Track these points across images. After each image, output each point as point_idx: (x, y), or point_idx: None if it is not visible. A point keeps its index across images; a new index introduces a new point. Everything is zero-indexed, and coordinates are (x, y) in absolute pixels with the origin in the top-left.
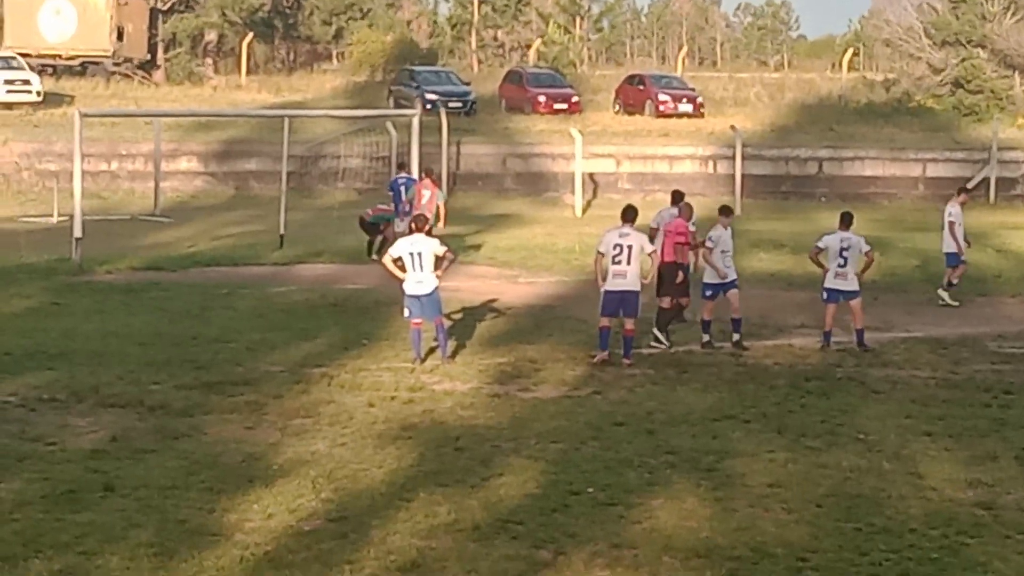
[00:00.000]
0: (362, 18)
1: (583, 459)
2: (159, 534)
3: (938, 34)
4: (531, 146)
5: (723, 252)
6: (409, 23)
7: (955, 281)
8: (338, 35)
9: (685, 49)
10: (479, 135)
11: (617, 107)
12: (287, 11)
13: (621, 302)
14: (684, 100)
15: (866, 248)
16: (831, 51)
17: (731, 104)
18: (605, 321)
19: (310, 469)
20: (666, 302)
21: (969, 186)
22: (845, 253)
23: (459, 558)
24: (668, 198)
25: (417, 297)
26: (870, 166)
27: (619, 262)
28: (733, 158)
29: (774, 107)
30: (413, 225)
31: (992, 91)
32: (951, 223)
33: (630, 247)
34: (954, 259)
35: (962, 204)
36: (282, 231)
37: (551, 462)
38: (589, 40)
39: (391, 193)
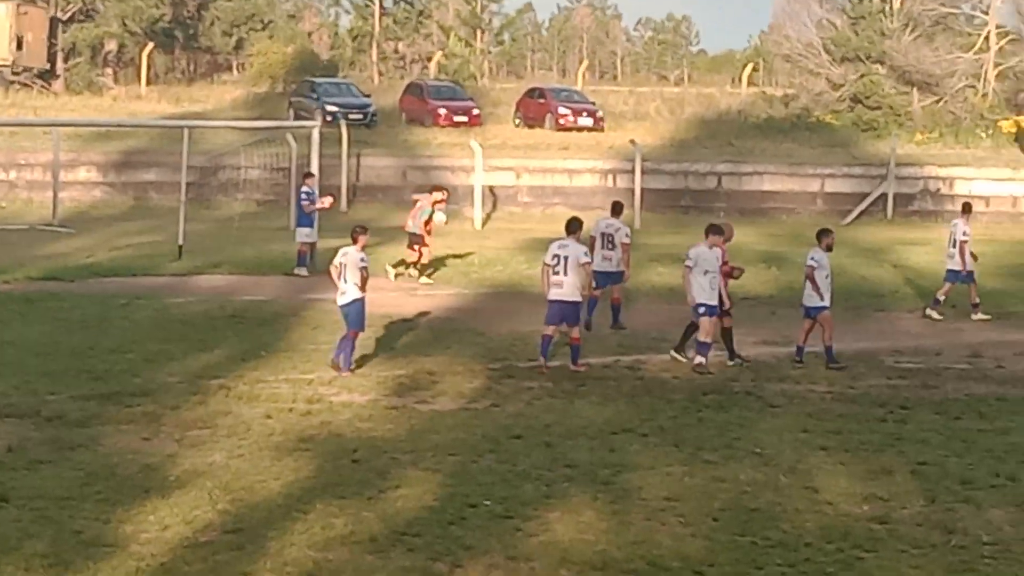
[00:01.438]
0: (263, 29)
1: (480, 471)
2: (54, 545)
3: (837, 50)
4: (431, 159)
5: (706, 273)
6: (310, 35)
7: (942, 298)
8: (239, 46)
9: (586, 63)
10: (379, 147)
11: (517, 120)
12: (188, 21)
13: (561, 312)
14: (584, 114)
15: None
16: (731, 66)
17: (631, 118)
18: (548, 330)
19: (207, 480)
20: (727, 321)
21: (865, 203)
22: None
23: (355, 570)
24: (567, 211)
25: (340, 307)
26: (769, 181)
27: (557, 272)
28: (633, 172)
29: (674, 121)
30: (352, 236)
31: (890, 107)
32: (964, 242)
33: (567, 258)
34: (955, 276)
35: (968, 219)
36: (181, 242)
37: (448, 474)
38: (490, 53)
39: (306, 202)
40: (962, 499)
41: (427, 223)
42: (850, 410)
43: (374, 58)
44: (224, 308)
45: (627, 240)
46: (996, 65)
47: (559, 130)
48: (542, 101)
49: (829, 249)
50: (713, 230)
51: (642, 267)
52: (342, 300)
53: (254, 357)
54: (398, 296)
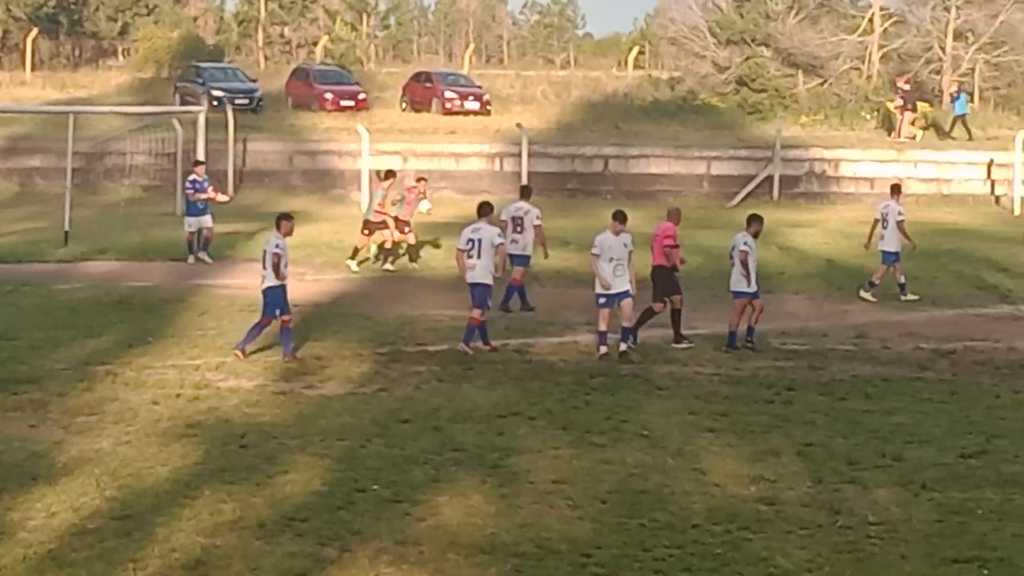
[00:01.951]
0: (148, 14)
1: (368, 456)
2: None
3: (723, 33)
4: (318, 143)
5: (611, 260)
6: (195, 19)
7: (877, 281)
8: (124, 31)
9: (472, 47)
10: (266, 132)
11: (404, 104)
12: (72, 7)
13: (479, 292)
14: (471, 98)
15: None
16: (617, 49)
17: (517, 102)
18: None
19: (94, 467)
20: (677, 301)
21: (751, 186)
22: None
23: (244, 556)
24: (454, 195)
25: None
26: (655, 164)
27: (471, 256)
28: (519, 156)
29: (560, 105)
30: (276, 223)
31: (776, 89)
32: (900, 222)
33: (480, 241)
34: (892, 257)
35: (899, 200)
36: (67, 228)
37: (336, 459)
38: (376, 37)
39: (191, 191)
40: (848, 480)
41: (383, 206)
42: (737, 392)
43: (260, 43)
44: (111, 294)
45: (538, 222)
46: (880, 47)
47: (446, 114)
48: (428, 85)
49: (756, 235)
50: (618, 217)
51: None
52: (262, 286)
53: (141, 343)
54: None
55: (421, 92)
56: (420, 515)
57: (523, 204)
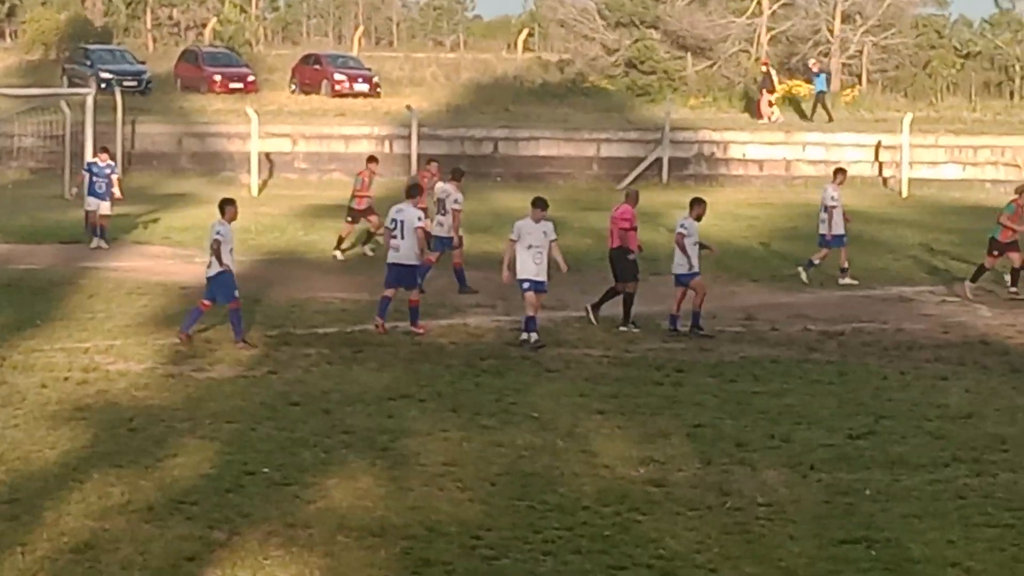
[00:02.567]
0: None
1: (258, 439)
2: None
3: (612, 15)
4: (207, 125)
5: (530, 247)
6: (84, 1)
7: (817, 262)
8: (11, 13)
9: (361, 29)
10: (154, 114)
11: (293, 87)
12: None
13: (399, 275)
14: (360, 80)
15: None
16: (507, 32)
17: (407, 84)
18: (388, 292)
19: None
20: (631, 286)
21: (641, 168)
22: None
23: (132, 539)
24: (344, 178)
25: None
26: (545, 146)
27: (395, 236)
28: (409, 138)
29: (450, 87)
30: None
31: (665, 72)
32: (832, 207)
33: (403, 222)
34: (833, 240)
35: (840, 185)
36: None
37: (226, 442)
38: (265, 19)
39: (86, 174)
40: (737, 461)
41: (364, 191)
42: (626, 374)
43: (148, 25)
44: None
45: (457, 206)
46: (769, 29)
47: (335, 96)
48: (318, 67)
49: (699, 218)
50: (538, 203)
51: None
52: (207, 273)
53: (29, 326)
54: (175, 263)
55: (310, 74)
56: (309, 498)
57: (447, 186)
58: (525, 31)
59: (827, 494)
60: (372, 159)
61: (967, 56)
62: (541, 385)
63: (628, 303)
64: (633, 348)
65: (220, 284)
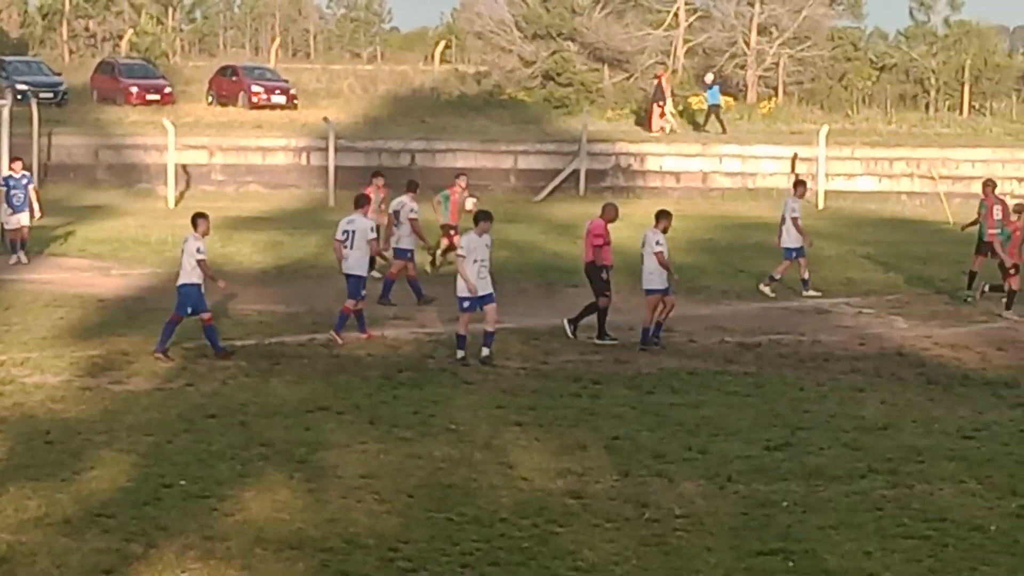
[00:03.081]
0: None
1: (175, 452)
2: None
3: (529, 27)
4: (123, 137)
5: (476, 262)
6: None
7: (778, 276)
8: None
9: (278, 41)
10: (71, 126)
11: (210, 98)
12: None
13: (352, 284)
14: (277, 92)
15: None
16: (424, 43)
17: (324, 96)
18: (348, 304)
19: None
20: (603, 301)
21: (558, 180)
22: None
23: (49, 552)
24: (261, 190)
25: None
26: (462, 158)
27: (346, 247)
28: (326, 150)
29: (367, 99)
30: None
31: (582, 84)
32: (794, 218)
33: (353, 232)
34: (791, 253)
35: (800, 197)
36: None
37: (143, 455)
38: (182, 31)
39: (3, 188)
40: (655, 473)
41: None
42: (544, 385)
43: (64, 36)
44: None
45: (413, 216)
46: (685, 42)
47: (252, 108)
48: (235, 79)
49: (665, 231)
50: (483, 217)
51: None
52: (177, 283)
53: None
54: (91, 276)
55: (227, 86)
56: (227, 510)
57: (403, 198)
58: (442, 43)
59: (744, 506)
60: (461, 174)
61: (883, 68)
62: (459, 397)
63: (601, 316)
64: (551, 360)
65: (186, 296)
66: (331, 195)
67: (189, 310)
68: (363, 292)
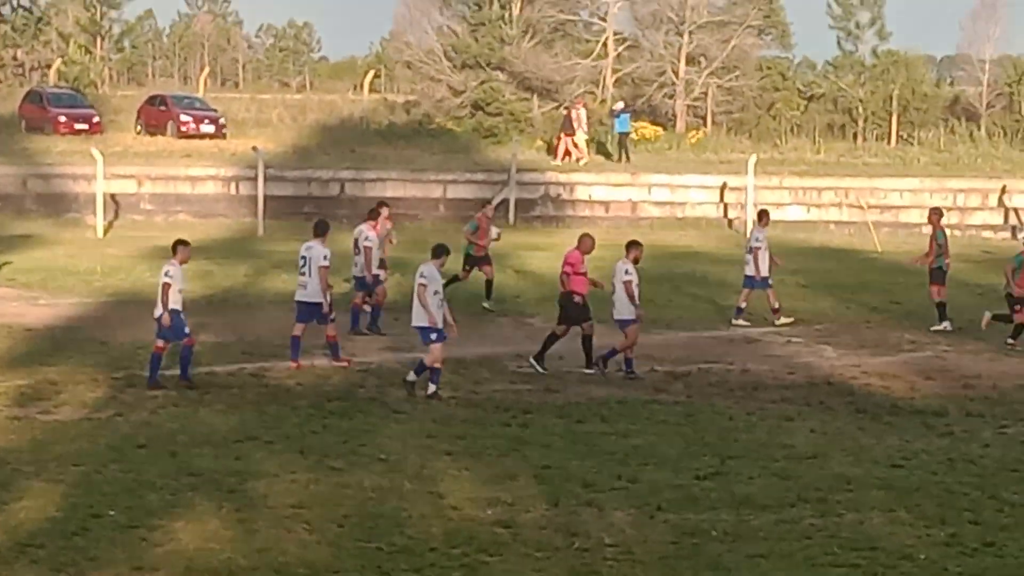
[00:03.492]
0: None
1: (104, 482)
2: None
3: (458, 57)
4: (52, 167)
5: (436, 293)
6: None
7: (743, 305)
8: None
9: (207, 70)
10: None
11: (139, 128)
12: None
13: (308, 311)
14: (206, 121)
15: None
16: (353, 73)
17: (253, 125)
18: (296, 330)
19: None
20: (587, 327)
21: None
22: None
23: None
24: (190, 219)
25: None
26: (392, 187)
27: (303, 273)
28: (255, 179)
29: (296, 128)
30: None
31: (511, 113)
32: (757, 248)
33: (310, 259)
34: (751, 282)
35: (765, 227)
36: None
37: (72, 485)
38: (110, 60)
39: None
40: (585, 502)
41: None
42: (474, 415)
43: None
44: None
45: (368, 244)
46: (615, 71)
47: (181, 137)
48: (164, 108)
49: (636, 261)
50: (444, 251)
51: (265, 274)
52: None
53: None
54: (19, 305)
55: (156, 115)
56: (157, 541)
57: (363, 226)
58: (371, 72)
59: (674, 535)
60: (488, 204)
61: (811, 98)
62: (389, 427)
63: (587, 346)
64: (480, 389)
65: (178, 321)
66: (260, 224)
67: (187, 330)
68: (332, 316)
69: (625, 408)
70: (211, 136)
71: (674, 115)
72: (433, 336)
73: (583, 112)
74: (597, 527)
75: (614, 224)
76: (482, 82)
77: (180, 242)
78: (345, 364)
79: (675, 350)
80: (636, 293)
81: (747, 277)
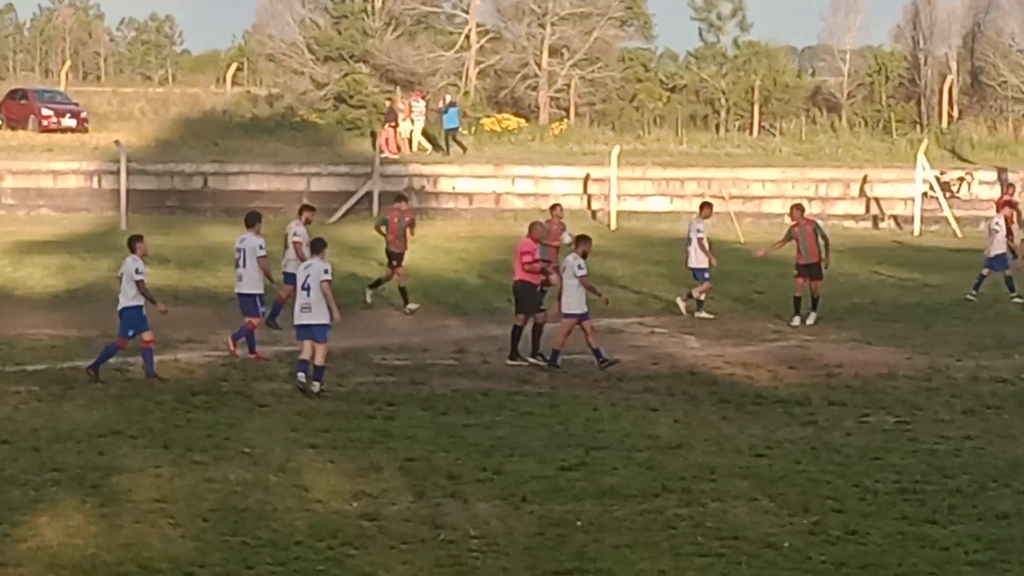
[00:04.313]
0: None
1: None
2: None
3: (321, 49)
4: None
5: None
6: None
7: (703, 298)
8: None
9: (68, 63)
10: None
11: (0, 122)
12: None
13: (247, 303)
14: (68, 115)
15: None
16: (216, 66)
17: (116, 119)
18: (244, 322)
19: None
20: (541, 316)
21: (351, 202)
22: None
23: None
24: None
25: None
26: (255, 180)
27: (238, 265)
28: (118, 173)
29: (159, 122)
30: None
31: (374, 105)
32: (700, 239)
33: (245, 251)
34: (702, 273)
35: (706, 218)
36: None
37: None
38: None
39: None
40: (450, 494)
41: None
42: (339, 408)
43: None
44: None
45: (296, 239)
46: (477, 63)
47: (43, 131)
48: (24, 102)
49: (584, 255)
50: (323, 244)
51: None
52: (118, 306)
53: None
54: None
55: (17, 109)
56: (20, 536)
57: (292, 223)
58: (234, 65)
59: (539, 525)
60: (556, 205)
61: (673, 89)
62: (253, 420)
63: (537, 335)
64: (345, 382)
65: (130, 318)
66: (123, 218)
67: (131, 332)
68: (262, 309)
69: (490, 399)
70: (73, 130)
71: (537, 107)
72: (328, 333)
73: (421, 104)
74: (462, 519)
75: (478, 216)
76: (345, 75)
77: (136, 237)
78: (264, 359)
79: (543, 341)
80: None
81: (695, 269)
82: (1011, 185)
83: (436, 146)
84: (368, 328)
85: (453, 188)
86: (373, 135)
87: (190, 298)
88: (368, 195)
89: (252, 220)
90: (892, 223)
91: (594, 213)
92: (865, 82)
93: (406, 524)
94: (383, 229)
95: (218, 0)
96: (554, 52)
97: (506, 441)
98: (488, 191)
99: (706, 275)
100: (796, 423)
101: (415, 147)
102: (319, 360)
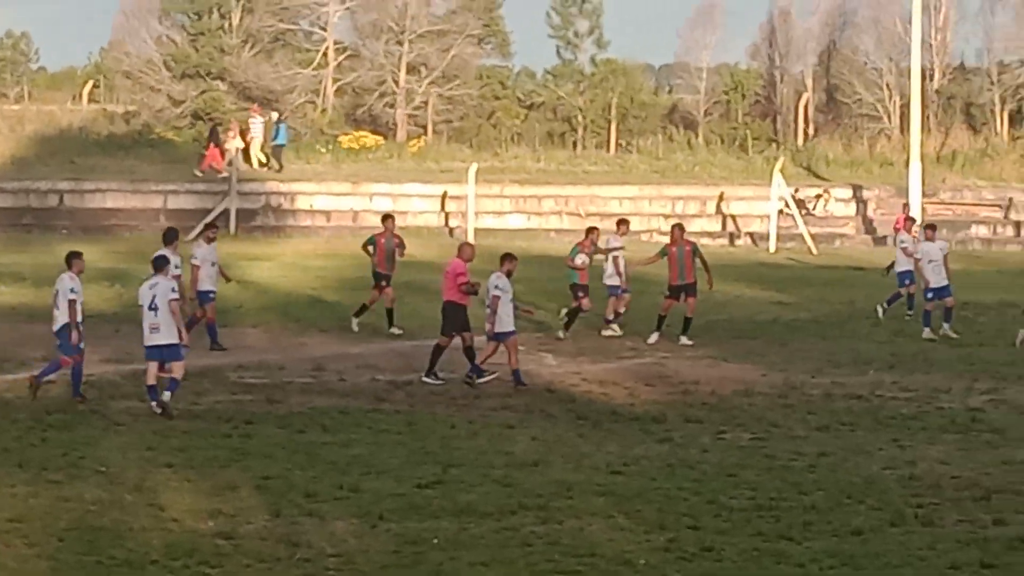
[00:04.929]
0: None
1: None
2: None
3: (178, 67)
4: None
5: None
6: None
7: (622, 310)
8: None
9: None
10: None
11: None
12: None
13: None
14: None
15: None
16: (72, 83)
17: None
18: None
19: None
20: (467, 337)
21: (208, 219)
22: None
23: None
24: None
25: None
26: (111, 198)
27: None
28: None
29: (14, 139)
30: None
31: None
32: (616, 257)
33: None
34: (616, 289)
35: (623, 235)
36: None
37: None
38: None
39: None
40: (306, 512)
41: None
42: (195, 426)
43: None
44: None
45: (195, 262)
46: (335, 80)
47: None
48: None
49: (509, 274)
50: (161, 261)
51: None
52: (54, 326)
53: None
54: None
55: None
56: None
57: (194, 246)
58: (90, 82)
59: (396, 543)
60: (593, 228)
61: (531, 107)
62: (109, 439)
63: (470, 355)
64: (202, 400)
65: (63, 338)
66: None
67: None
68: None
69: (347, 418)
70: None
71: (395, 124)
72: (183, 351)
73: (259, 119)
74: (319, 537)
75: (336, 233)
76: (202, 92)
77: (74, 253)
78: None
79: (397, 359)
80: (504, 308)
81: (611, 286)
82: (906, 204)
83: (265, 164)
84: (224, 347)
85: (311, 206)
86: (223, 152)
87: (46, 317)
88: (225, 212)
89: (171, 237)
90: (748, 240)
91: (451, 230)
92: (722, 100)
93: (263, 543)
94: (371, 249)
95: (75, 16)
96: (412, 69)
97: (363, 459)
98: (346, 208)
99: (620, 291)
100: (652, 440)
101: (255, 162)
102: (176, 374)
